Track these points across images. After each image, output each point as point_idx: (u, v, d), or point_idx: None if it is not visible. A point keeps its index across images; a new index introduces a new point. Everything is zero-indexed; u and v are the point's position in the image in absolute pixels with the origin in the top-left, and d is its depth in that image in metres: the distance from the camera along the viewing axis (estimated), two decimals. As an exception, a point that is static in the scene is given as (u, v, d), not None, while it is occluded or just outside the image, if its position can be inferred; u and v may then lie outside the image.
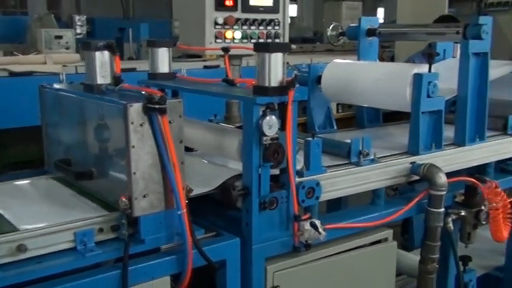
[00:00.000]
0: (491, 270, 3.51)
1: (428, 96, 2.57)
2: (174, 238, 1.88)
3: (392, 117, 3.59)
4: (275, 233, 2.09)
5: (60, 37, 6.90)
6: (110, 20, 13.01)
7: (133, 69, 4.70)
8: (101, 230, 1.80)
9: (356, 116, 3.33)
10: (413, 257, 2.92)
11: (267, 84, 1.97)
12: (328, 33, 3.45)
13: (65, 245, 1.74)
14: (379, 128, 3.30)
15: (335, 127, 3.13)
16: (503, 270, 3.47)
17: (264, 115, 1.94)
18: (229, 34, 2.66)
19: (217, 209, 2.23)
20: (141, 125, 1.74)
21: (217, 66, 7.58)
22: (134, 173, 1.75)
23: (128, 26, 10.22)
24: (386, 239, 2.46)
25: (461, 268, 2.79)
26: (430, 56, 2.61)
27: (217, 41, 2.65)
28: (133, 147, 1.74)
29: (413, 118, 2.61)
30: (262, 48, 1.98)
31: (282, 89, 1.98)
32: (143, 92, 1.83)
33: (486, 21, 2.76)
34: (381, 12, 25.72)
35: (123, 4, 13.20)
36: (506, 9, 8.48)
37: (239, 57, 2.82)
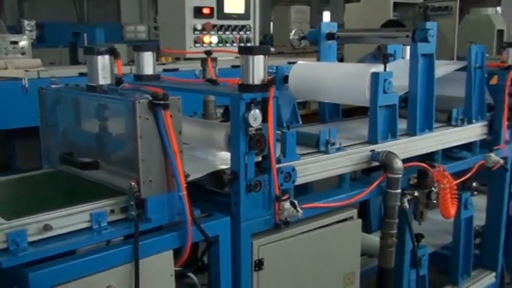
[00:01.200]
0: (439, 248, 3.92)
1: (384, 92, 2.93)
2: (175, 217, 2.15)
3: (349, 113, 3.97)
4: (259, 212, 2.39)
5: (15, 42, 7.00)
6: (62, 24, 13.01)
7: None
8: (112, 212, 2.06)
9: (319, 112, 3.67)
10: (372, 237, 3.28)
11: (251, 83, 2.27)
12: (291, 37, 3.80)
13: (82, 225, 1.99)
14: (339, 122, 3.65)
15: (300, 122, 3.46)
16: (450, 249, 3.88)
17: (249, 109, 2.24)
18: (206, 39, 2.95)
19: (205, 196, 2.51)
20: (147, 118, 2.02)
21: (176, 70, 7.87)
22: (142, 160, 2.02)
23: (83, 30, 10.32)
24: (352, 217, 2.80)
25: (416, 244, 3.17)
26: (385, 57, 2.97)
27: (196, 45, 2.94)
28: (141, 137, 2.01)
29: (371, 111, 2.97)
30: (246, 51, 2.29)
31: (264, 87, 2.28)
32: (145, 90, 2.11)
33: (432, 26, 3.16)
34: (326, 15, 26.44)
35: (76, 9, 13.24)
36: (446, 13, 9.05)
37: (215, 59, 3.12)
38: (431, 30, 3.14)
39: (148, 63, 2.77)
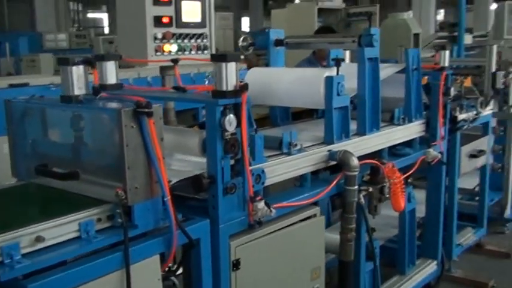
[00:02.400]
0: (385, 242, 4.15)
1: (338, 94, 3.11)
2: (160, 222, 2.21)
3: (296, 116, 4.13)
4: (235, 214, 2.48)
5: None
6: (-21, 33, 12.48)
7: (26, 84, 4.84)
8: (99, 220, 2.08)
9: (270, 116, 3.80)
10: (330, 235, 3.44)
11: (224, 89, 2.36)
12: (240, 44, 3.88)
13: (72, 235, 2.01)
14: (290, 125, 3.79)
15: (254, 126, 3.57)
16: (395, 241, 4.12)
17: (225, 114, 2.34)
18: (167, 47, 3.00)
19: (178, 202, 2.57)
20: (132, 126, 2.06)
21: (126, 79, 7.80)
22: (128, 168, 2.06)
23: (5, 39, 9.95)
24: (315, 215, 2.95)
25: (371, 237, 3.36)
26: (338, 61, 3.14)
27: (157, 54, 2.99)
28: (127, 145, 2.05)
29: (327, 113, 3.13)
30: (219, 58, 2.37)
31: (237, 92, 2.38)
32: (125, 99, 2.15)
33: (375, 32, 3.37)
34: (245, 21, 26.79)
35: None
36: (366, 18, 9.48)
37: (172, 67, 3.17)
38: (376, 36, 3.35)
39: (111, 72, 2.78)
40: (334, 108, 3.11)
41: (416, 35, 10.74)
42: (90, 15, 28.08)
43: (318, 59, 5.28)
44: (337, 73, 3.13)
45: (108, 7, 27.46)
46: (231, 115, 2.35)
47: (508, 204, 5.57)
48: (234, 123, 2.35)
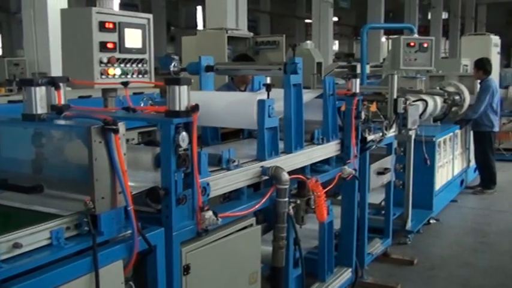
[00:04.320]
0: (306, 253, 4.49)
1: (269, 116, 3.44)
2: (121, 230, 2.40)
3: (224, 136, 4.42)
4: (185, 223, 2.71)
5: None
6: None
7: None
8: (68, 228, 2.25)
9: (202, 136, 4.06)
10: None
11: (177, 109, 2.62)
12: (171, 69, 4.14)
13: (44, 242, 2.16)
14: (220, 144, 4.08)
15: (190, 145, 3.82)
16: (314, 252, 4.47)
17: (178, 132, 2.58)
18: (111, 71, 3.20)
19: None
20: (100, 142, 2.26)
21: (20, 101, 7.70)
22: (96, 180, 2.25)
23: None
24: (252, 225, 3.23)
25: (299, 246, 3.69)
26: (268, 87, 3.49)
27: (102, 77, 3.18)
28: (95, 159, 2.24)
29: (259, 133, 3.45)
30: (173, 82, 2.62)
31: (189, 112, 2.64)
32: (91, 117, 2.34)
33: (299, 61, 3.75)
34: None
35: None
36: (274, 47, 10.03)
37: (115, 90, 3.37)
38: (299, 64, 3.73)
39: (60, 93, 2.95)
40: (266, 128, 3.43)
41: (319, 64, 11.50)
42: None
43: (236, 84, 5.64)
44: (268, 97, 3.47)
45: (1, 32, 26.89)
46: (184, 133, 2.60)
47: (409, 218, 6.16)
48: (187, 140, 2.61)
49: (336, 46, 33.56)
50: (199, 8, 33.47)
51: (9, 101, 7.47)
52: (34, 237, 2.12)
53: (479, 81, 8.34)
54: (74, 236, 2.28)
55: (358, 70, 10.87)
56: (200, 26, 32.76)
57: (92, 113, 2.50)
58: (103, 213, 2.30)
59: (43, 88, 2.46)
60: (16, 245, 2.05)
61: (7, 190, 2.44)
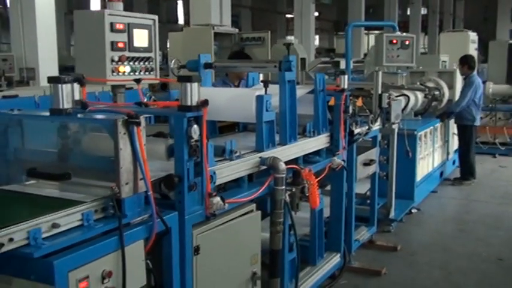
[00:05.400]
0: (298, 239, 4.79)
1: (267, 110, 3.72)
2: (142, 213, 2.67)
3: (221, 130, 4.69)
4: (196, 207, 2.99)
5: None
6: None
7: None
8: (95, 211, 2.51)
9: (201, 130, 4.32)
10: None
11: (189, 104, 2.88)
12: (171, 66, 4.39)
13: (76, 223, 2.42)
14: (217, 137, 4.35)
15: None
16: (304, 239, 4.76)
17: (191, 125, 2.85)
18: (121, 69, 3.46)
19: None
20: (124, 133, 2.52)
21: (16, 96, 7.92)
22: (121, 167, 2.52)
23: None
24: (252, 210, 3.52)
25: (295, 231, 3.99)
26: (265, 83, 3.77)
27: (114, 74, 3.43)
28: (120, 149, 2.50)
29: (258, 126, 3.72)
30: (185, 79, 2.89)
31: (199, 107, 2.91)
32: (114, 111, 2.60)
33: (293, 59, 4.03)
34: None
35: None
36: (260, 43, 10.28)
37: (124, 86, 3.63)
38: (293, 62, 4.02)
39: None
40: (264, 121, 3.71)
41: (303, 59, 11.80)
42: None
43: (231, 79, 5.91)
44: (266, 92, 3.75)
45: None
46: (195, 125, 2.87)
47: (392, 207, 6.50)
48: (198, 131, 2.88)
49: (316, 41, 33.93)
50: (180, 3, 33.64)
51: (4, 96, 7.65)
52: (69, 218, 2.38)
53: (463, 76, 8.73)
54: (101, 219, 2.54)
55: (342, 66, 11.22)
56: (181, 21, 32.91)
57: (113, 108, 2.75)
58: (127, 197, 2.57)
59: (69, 85, 2.70)
60: (54, 225, 2.30)
61: (37, 178, 2.69)
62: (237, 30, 10.83)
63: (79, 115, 2.70)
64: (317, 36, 35.00)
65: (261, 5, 33.25)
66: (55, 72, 10.04)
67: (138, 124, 2.55)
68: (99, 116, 2.63)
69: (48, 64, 10.46)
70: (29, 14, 10.53)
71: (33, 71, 10.63)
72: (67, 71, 11.09)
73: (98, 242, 2.43)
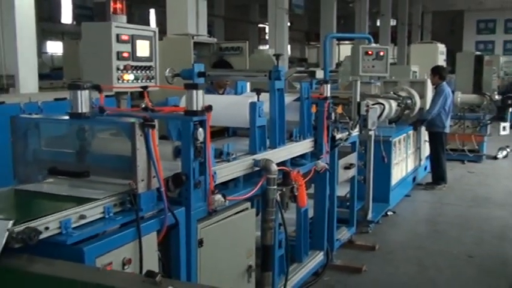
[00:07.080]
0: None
1: (259, 116, 4.02)
2: (154, 207, 2.94)
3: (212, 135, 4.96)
4: (200, 204, 3.26)
5: None
6: None
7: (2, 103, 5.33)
8: (115, 205, 2.77)
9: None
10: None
11: (195, 109, 3.17)
12: (166, 74, 4.65)
13: (99, 215, 2.68)
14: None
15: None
16: (293, 238, 5.06)
17: (197, 128, 3.14)
18: (126, 77, 3.71)
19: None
20: (140, 135, 2.79)
21: (2, 103, 8.05)
22: (138, 166, 2.79)
23: None
24: (247, 208, 3.81)
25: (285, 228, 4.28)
26: (258, 91, 4.07)
27: (119, 81, 3.69)
28: (137, 149, 2.77)
29: (251, 130, 4.02)
30: (191, 87, 3.18)
31: (204, 112, 3.19)
32: (130, 114, 2.87)
33: (282, 68, 4.35)
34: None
35: None
36: (238, 52, 10.56)
37: (126, 93, 3.89)
38: (282, 72, 4.33)
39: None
40: (257, 126, 4.01)
41: (280, 69, 12.08)
42: None
43: (215, 88, 6.21)
44: (258, 99, 4.05)
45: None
46: (200, 128, 3.15)
47: (370, 210, 6.85)
48: (203, 134, 3.16)
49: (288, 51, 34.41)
50: (152, 11, 33.76)
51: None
52: (93, 211, 2.64)
53: (434, 86, 9.19)
54: (119, 212, 2.80)
55: (317, 75, 11.60)
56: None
57: (128, 112, 3.02)
58: (143, 193, 2.83)
59: (87, 92, 2.96)
60: (82, 217, 2.56)
61: (58, 175, 2.93)
62: (215, 39, 11.11)
63: (98, 118, 2.96)
64: (289, 46, 35.56)
65: (234, 15, 33.61)
66: (35, 80, 10.14)
67: (153, 127, 2.83)
68: (118, 120, 2.89)
69: (27, 71, 10.55)
70: (8, 21, 10.60)
71: (12, 78, 10.71)
72: (41, 78, 11.23)
73: (119, 232, 2.69)
